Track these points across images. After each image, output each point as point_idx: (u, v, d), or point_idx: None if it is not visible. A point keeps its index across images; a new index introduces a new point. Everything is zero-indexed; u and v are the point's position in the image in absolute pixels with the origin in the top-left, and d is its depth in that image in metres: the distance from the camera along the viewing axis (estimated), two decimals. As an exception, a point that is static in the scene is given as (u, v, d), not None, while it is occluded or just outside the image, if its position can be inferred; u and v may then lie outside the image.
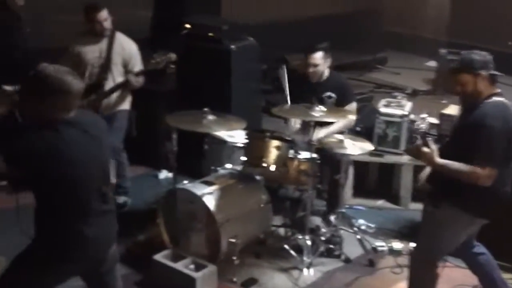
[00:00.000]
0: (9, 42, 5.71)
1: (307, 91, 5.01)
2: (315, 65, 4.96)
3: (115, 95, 5.19)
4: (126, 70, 5.19)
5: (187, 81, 5.95)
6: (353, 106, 5.14)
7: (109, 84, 5.16)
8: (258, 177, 4.76)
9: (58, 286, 3.20)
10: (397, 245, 4.78)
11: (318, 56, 4.96)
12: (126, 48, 5.25)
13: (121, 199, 5.33)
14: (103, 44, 5.15)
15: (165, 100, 5.95)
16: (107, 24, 5.09)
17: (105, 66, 5.15)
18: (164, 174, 6.13)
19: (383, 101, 5.80)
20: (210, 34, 5.97)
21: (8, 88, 3.17)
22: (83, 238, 2.99)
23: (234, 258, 4.33)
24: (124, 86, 5.17)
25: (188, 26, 6.02)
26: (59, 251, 3.00)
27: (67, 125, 2.91)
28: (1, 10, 5.73)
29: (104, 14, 5.07)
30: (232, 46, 5.91)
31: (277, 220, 4.99)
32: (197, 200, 4.37)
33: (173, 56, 5.16)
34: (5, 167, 2.86)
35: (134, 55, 5.25)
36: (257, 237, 4.72)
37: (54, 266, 3.03)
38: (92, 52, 5.13)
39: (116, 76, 5.18)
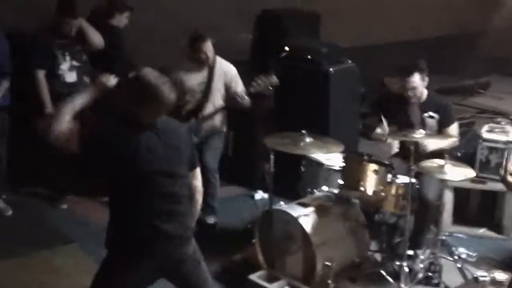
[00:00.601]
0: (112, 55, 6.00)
1: (406, 112, 4.97)
2: (413, 88, 4.89)
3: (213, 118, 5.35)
4: (228, 92, 5.33)
5: (285, 102, 6.00)
6: (454, 126, 5.04)
7: (209, 108, 5.31)
8: (354, 201, 4.73)
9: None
10: (500, 275, 4.59)
11: (415, 79, 4.87)
12: (227, 72, 5.38)
13: (211, 219, 5.41)
14: (205, 71, 5.31)
15: (263, 121, 6.01)
16: (211, 54, 5.22)
17: (206, 91, 5.29)
18: (260, 195, 6.18)
19: (486, 127, 5.69)
20: (309, 56, 6.03)
21: (111, 78, 3.34)
22: (155, 234, 3.12)
23: (329, 281, 4.29)
24: (223, 109, 5.33)
25: (287, 48, 6.10)
26: (132, 248, 3.14)
27: (147, 128, 3.08)
28: (107, 28, 6.02)
29: (209, 45, 5.20)
30: (331, 69, 5.94)
31: (374, 245, 4.95)
32: (294, 221, 4.39)
33: (275, 80, 5.23)
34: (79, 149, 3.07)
35: (235, 78, 5.40)
36: (352, 261, 4.66)
37: (131, 263, 3.17)
38: (195, 80, 5.28)
39: (216, 100, 5.33)
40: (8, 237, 5.35)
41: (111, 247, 3.25)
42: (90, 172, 3.81)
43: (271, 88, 5.28)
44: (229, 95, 5.37)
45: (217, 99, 5.34)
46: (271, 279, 4.39)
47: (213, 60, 5.30)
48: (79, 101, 3.24)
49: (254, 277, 4.39)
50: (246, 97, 5.28)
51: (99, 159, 3.11)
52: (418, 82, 4.85)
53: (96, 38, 5.83)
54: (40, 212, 5.93)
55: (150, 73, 3.12)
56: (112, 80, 3.34)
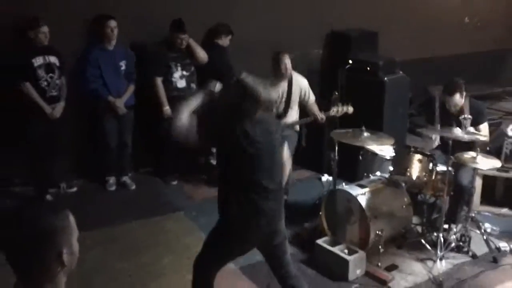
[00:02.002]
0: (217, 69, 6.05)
1: (448, 115, 4.93)
2: (454, 105, 4.83)
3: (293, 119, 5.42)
4: (302, 100, 5.38)
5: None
6: (485, 125, 4.95)
7: (291, 116, 5.33)
8: (402, 184, 4.74)
9: (238, 256, 3.40)
10: (518, 246, 4.63)
11: (456, 98, 4.78)
12: (301, 85, 5.37)
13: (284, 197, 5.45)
14: (285, 84, 5.28)
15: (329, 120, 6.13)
16: (290, 68, 5.22)
17: (287, 102, 5.30)
18: (326, 178, 6.19)
19: (511, 126, 5.72)
20: (368, 68, 6.04)
21: (218, 85, 3.42)
22: (260, 209, 3.10)
23: (380, 247, 4.37)
24: (306, 121, 5.47)
25: (351, 61, 6.11)
26: (241, 221, 3.12)
27: (255, 121, 3.12)
28: (214, 46, 6.21)
29: (289, 62, 5.18)
30: (386, 78, 5.96)
31: (416, 219, 4.94)
32: (353, 199, 4.48)
33: (350, 109, 5.35)
34: (198, 140, 3.17)
35: (307, 89, 5.40)
36: (399, 232, 4.71)
37: (238, 236, 3.15)
38: (276, 93, 5.19)
39: (294, 109, 5.35)
40: (132, 205, 5.59)
41: (223, 217, 3.21)
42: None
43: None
44: (303, 104, 5.39)
45: (294, 107, 5.35)
46: (333, 243, 4.44)
47: (291, 73, 5.27)
48: (194, 102, 3.30)
49: (320, 241, 4.46)
50: (323, 116, 5.33)
51: (214, 143, 3.24)
52: (458, 100, 4.80)
53: (201, 54, 5.99)
54: (156, 187, 6.09)
55: (248, 77, 3.17)
56: (218, 87, 3.40)
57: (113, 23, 5.60)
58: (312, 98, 5.44)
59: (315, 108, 5.44)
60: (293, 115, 5.38)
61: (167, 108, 5.84)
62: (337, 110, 5.34)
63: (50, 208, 1.74)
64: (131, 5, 5.88)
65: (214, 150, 6.12)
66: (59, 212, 1.70)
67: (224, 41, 6.22)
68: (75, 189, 5.87)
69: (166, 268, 4.45)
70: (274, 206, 3.18)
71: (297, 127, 5.53)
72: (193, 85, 5.99)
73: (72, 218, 1.73)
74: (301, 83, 5.38)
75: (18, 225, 1.64)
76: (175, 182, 6.20)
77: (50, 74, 5.35)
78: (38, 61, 5.28)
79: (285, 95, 5.28)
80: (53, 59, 5.38)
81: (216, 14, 6.23)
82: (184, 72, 5.96)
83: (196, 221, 5.25)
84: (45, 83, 5.33)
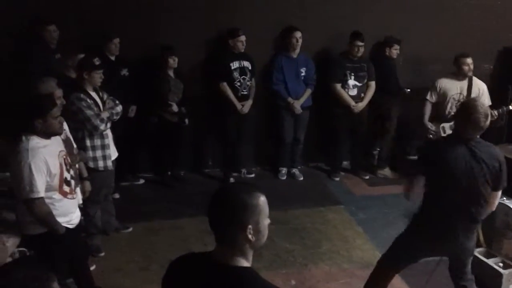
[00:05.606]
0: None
1: None
2: None
3: None
4: None
5: None
6: None
7: None
8: None
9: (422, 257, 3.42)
10: None
11: None
12: (480, 88, 5.35)
13: None
14: (464, 84, 5.31)
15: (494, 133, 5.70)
16: (472, 68, 5.24)
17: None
18: None
19: None
20: None
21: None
22: (449, 226, 3.15)
23: None
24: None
25: None
26: (434, 231, 3.19)
27: (463, 143, 3.07)
28: (383, 58, 6.07)
29: (471, 63, 5.24)
30: None
31: None
32: None
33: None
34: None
35: (485, 93, 5.36)
36: None
37: (429, 241, 3.22)
38: (456, 89, 5.31)
39: None
40: (298, 194, 5.70)
41: (415, 222, 3.29)
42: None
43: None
44: None
45: None
46: (488, 255, 4.23)
47: (471, 75, 5.31)
48: None
49: (475, 252, 4.05)
50: (502, 112, 5.15)
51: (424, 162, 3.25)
52: None
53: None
54: (321, 180, 6.20)
55: (476, 102, 3.17)
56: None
57: (298, 34, 5.83)
58: (487, 102, 5.23)
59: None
60: None
61: (354, 105, 5.90)
62: (496, 113, 5.00)
63: (246, 188, 1.81)
64: (312, 18, 6.04)
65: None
66: (252, 192, 1.77)
67: (391, 51, 6.04)
68: (253, 175, 6.22)
69: (324, 254, 4.56)
70: (460, 226, 3.23)
71: None
72: (363, 95, 6.00)
73: (263, 200, 1.77)
74: (480, 85, 5.38)
75: (218, 198, 1.78)
76: (337, 178, 6.25)
77: (243, 76, 5.74)
78: (234, 65, 5.70)
79: (464, 94, 5.29)
80: (246, 64, 5.76)
81: (389, 28, 6.12)
82: (357, 83, 5.96)
83: (354, 215, 5.28)
84: (238, 83, 5.74)
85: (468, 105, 3.17)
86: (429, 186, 3.19)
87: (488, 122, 3.08)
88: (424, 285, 3.67)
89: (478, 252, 4.21)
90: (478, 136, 3.14)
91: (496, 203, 3.28)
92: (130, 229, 4.86)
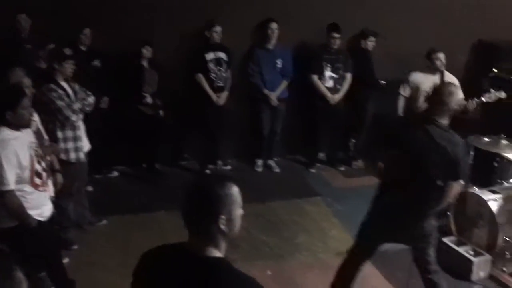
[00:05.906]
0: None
1: None
2: None
3: None
4: None
5: (488, 112, 5.64)
6: None
7: None
8: None
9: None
10: None
11: None
12: (451, 80, 5.17)
13: None
14: (436, 78, 5.23)
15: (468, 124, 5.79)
16: (444, 63, 5.23)
17: None
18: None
19: None
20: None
21: None
22: (395, 211, 3.12)
23: (507, 253, 4.14)
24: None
25: (495, 70, 5.82)
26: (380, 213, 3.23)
27: (424, 126, 3.05)
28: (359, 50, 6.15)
29: (443, 58, 5.23)
30: None
31: None
32: (484, 203, 4.25)
33: (503, 94, 5.06)
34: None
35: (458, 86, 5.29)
36: None
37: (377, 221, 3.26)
38: (428, 83, 5.16)
39: None
40: (275, 186, 5.70)
41: (373, 205, 3.31)
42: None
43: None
44: None
45: None
46: (459, 243, 4.29)
47: (443, 70, 5.28)
48: None
49: (446, 240, 4.30)
50: (474, 103, 5.07)
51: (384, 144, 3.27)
52: None
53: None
54: (298, 172, 6.19)
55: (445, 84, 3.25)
56: None
57: (274, 25, 5.81)
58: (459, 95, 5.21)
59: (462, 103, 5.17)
60: None
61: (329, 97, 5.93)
62: (491, 96, 5.04)
63: (218, 179, 1.82)
64: (293, 11, 6.02)
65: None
66: (225, 182, 1.77)
67: (366, 43, 6.06)
68: (229, 167, 6.19)
69: (301, 245, 4.58)
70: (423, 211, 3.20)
71: None
72: (339, 87, 6.00)
73: (236, 190, 1.77)
74: (452, 79, 5.22)
75: (192, 190, 1.78)
76: (314, 170, 6.24)
77: (219, 67, 5.70)
78: (210, 56, 5.65)
79: None
80: (222, 55, 5.72)
81: (370, 21, 6.13)
82: (333, 74, 5.99)
83: (331, 207, 5.31)
84: (214, 75, 5.69)
85: (436, 86, 3.25)
86: (386, 169, 3.18)
87: (453, 100, 3.06)
88: (406, 283, 3.67)
89: (449, 240, 4.30)
90: (445, 122, 3.10)
91: (453, 195, 3.18)
92: (104, 222, 4.80)
